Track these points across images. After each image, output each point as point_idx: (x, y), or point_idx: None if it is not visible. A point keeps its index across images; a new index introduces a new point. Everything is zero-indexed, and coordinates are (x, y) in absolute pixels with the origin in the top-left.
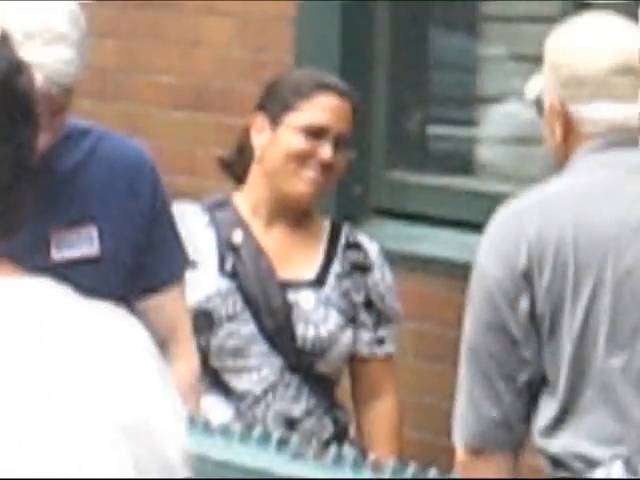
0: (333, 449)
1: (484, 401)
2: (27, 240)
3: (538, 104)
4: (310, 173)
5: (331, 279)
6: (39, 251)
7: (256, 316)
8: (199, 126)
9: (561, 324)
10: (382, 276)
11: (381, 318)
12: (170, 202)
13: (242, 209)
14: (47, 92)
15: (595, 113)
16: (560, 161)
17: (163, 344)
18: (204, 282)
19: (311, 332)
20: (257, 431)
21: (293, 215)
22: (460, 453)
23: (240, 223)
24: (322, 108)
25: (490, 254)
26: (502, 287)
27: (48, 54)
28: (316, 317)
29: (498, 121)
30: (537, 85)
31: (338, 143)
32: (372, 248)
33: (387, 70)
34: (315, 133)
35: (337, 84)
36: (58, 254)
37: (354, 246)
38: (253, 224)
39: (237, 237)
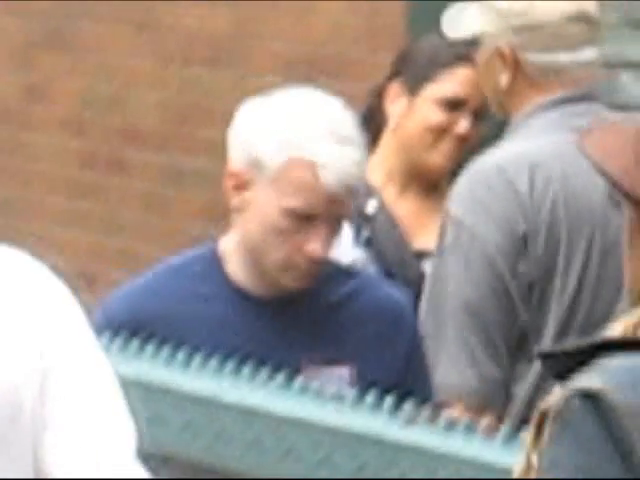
0: (444, 415)
1: (488, 362)
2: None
3: (472, 43)
4: (447, 146)
5: None
6: None
7: None
8: None
9: (552, 292)
10: None
11: None
12: (427, 355)
13: (374, 176)
14: (334, 194)
15: (549, 61)
16: (504, 110)
17: None
18: (341, 254)
19: None
20: (370, 397)
21: (426, 184)
22: (459, 409)
23: (373, 192)
24: (462, 80)
25: (481, 216)
26: (504, 252)
27: (341, 154)
28: None
29: None
30: (474, 24)
31: (475, 116)
32: None
33: None
34: (454, 105)
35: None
36: None
37: None
38: (385, 192)
39: (371, 207)
